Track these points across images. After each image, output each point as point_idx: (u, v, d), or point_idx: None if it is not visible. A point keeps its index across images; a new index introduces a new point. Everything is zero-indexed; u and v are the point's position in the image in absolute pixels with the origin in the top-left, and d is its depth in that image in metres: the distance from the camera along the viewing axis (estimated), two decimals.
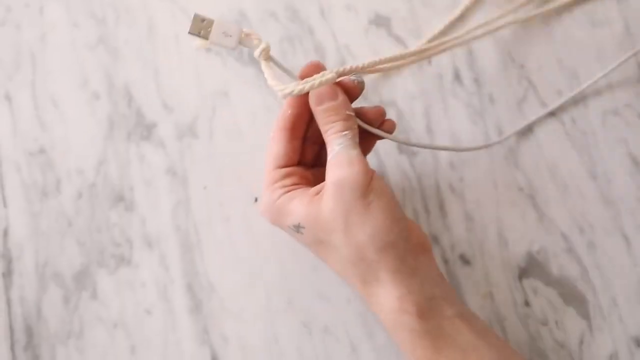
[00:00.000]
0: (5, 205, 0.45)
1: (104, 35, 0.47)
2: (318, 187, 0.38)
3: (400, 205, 0.41)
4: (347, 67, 0.38)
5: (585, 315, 0.43)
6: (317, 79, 0.37)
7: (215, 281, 0.44)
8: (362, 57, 0.47)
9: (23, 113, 0.46)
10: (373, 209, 0.36)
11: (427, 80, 0.46)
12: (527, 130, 0.45)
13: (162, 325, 0.44)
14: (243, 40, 0.37)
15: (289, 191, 0.39)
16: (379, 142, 0.44)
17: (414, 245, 0.38)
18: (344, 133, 0.37)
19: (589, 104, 0.46)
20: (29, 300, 0.44)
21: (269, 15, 0.47)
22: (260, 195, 0.45)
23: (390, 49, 0.47)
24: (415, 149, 0.45)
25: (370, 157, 0.45)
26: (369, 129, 0.39)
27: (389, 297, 0.37)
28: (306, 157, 0.41)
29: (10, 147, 0.46)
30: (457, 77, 0.46)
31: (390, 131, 0.41)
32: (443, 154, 0.45)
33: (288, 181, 0.39)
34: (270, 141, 0.40)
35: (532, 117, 0.45)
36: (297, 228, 0.38)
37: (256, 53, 0.37)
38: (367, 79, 0.46)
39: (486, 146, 0.44)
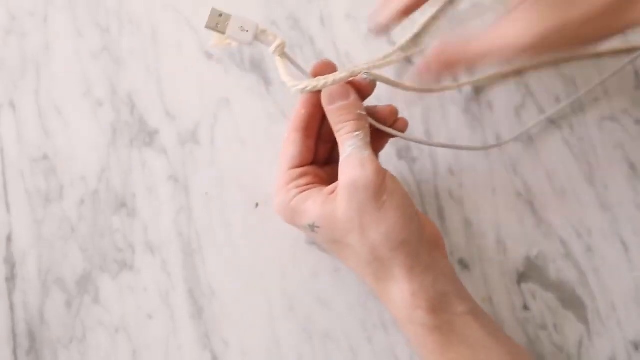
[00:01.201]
0: (8, 211, 0.46)
1: (107, 44, 0.48)
2: (332, 186, 0.38)
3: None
4: (360, 66, 0.39)
5: (583, 319, 0.44)
6: (329, 77, 0.38)
7: (216, 286, 0.45)
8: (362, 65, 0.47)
9: (27, 120, 0.47)
10: (387, 209, 0.36)
11: (426, 86, 0.47)
12: (526, 137, 0.46)
13: (163, 330, 0.44)
14: (259, 36, 0.37)
15: (303, 191, 0.39)
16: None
17: (427, 241, 0.38)
18: (355, 134, 0.37)
19: (587, 111, 0.46)
20: (32, 305, 0.44)
21: (270, 24, 0.48)
22: (261, 201, 0.45)
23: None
24: (414, 154, 0.46)
25: None
26: (381, 128, 0.40)
27: (402, 293, 0.37)
28: (319, 156, 0.42)
29: (14, 154, 0.46)
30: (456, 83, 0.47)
31: (402, 130, 0.41)
32: (442, 160, 0.46)
33: (302, 181, 0.40)
34: (284, 142, 0.41)
35: (530, 124, 0.46)
36: (312, 227, 0.38)
37: (271, 49, 0.38)
38: None
39: (497, 145, 0.45)
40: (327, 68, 0.39)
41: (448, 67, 0.38)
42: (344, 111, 0.38)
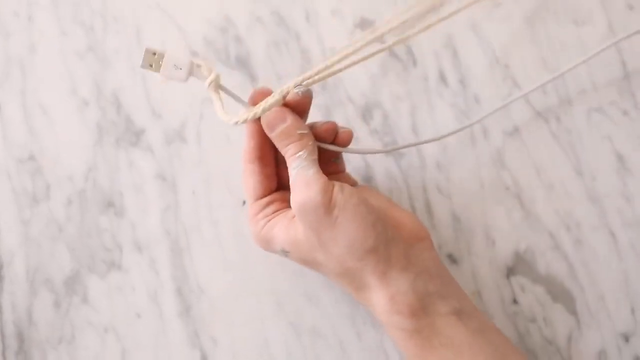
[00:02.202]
0: None
1: (92, 43, 0.48)
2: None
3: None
4: (290, 84, 0.38)
5: (573, 312, 0.43)
6: (261, 105, 0.38)
7: (204, 284, 0.44)
8: (347, 60, 0.47)
9: (13, 121, 0.47)
10: (341, 223, 0.36)
11: (413, 82, 0.47)
12: (513, 130, 0.46)
13: (152, 329, 0.44)
14: (194, 72, 0.37)
15: (270, 220, 0.40)
16: (366, 145, 0.45)
17: (404, 239, 0.38)
18: (298, 155, 0.37)
19: (574, 102, 0.46)
20: (20, 305, 0.44)
21: (255, 20, 0.48)
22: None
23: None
24: (401, 149, 0.46)
25: (356, 158, 0.45)
26: (321, 146, 0.40)
27: (379, 299, 0.37)
28: (284, 179, 0.41)
29: (0, 154, 0.46)
30: (442, 78, 0.47)
31: (345, 143, 0.41)
32: (429, 155, 0.46)
33: (269, 210, 0.40)
34: (242, 176, 0.41)
35: (517, 116, 0.46)
36: (284, 252, 0.39)
37: (205, 84, 0.37)
38: (351, 81, 0.46)
39: (454, 132, 0.44)
40: (263, 95, 0.39)
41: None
42: (284, 135, 0.38)
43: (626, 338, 0.43)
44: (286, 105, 0.38)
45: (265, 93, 0.39)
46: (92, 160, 0.46)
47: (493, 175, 0.45)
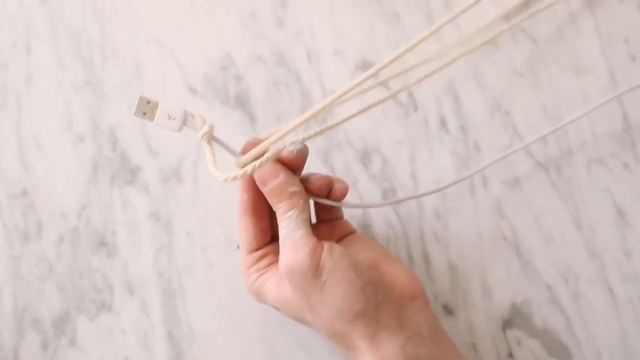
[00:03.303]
0: None
1: (90, 77, 0.47)
2: None
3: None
4: (287, 144, 0.38)
5: None
6: (252, 164, 0.36)
7: (196, 328, 0.44)
8: (348, 102, 0.47)
9: (6, 154, 0.46)
10: (329, 287, 0.35)
11: (413, 127, 0.46)
12: (513, 179, 0.45)
13: None
14: (188, 122, 0.36)
15: (263, 273, 0.39)
16: (364, 190, 0.44)
17: (397, 298, 0.37)
18: (288, 214, 0.37)
19: (575, 153, 0.46)
20: (6, 346, 0.43)
21: (256, 59, 0.47)
22: None
23: (376, 95, 0.47)
24: (400, 196, 0.45)
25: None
26: (315, 200, 0.39)
27: None
28: (278, 231, 0.40)
29: None
30: (443, 123, 0.46)
31: (340, 198, 0.40)
32: (428, 202, 0.45)
33: (262, 263, 0.40)
34: (237, 228, 0.40)
35: (517, 166, 0.45)
36: (275, 307, 0.39)
37: (199, 135, 0.36)
38: (351, 124, 0.46)
39: (449, 185, 0.44)
40: (254, 147, 0.37)
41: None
42: (276, 191, 0.37)
43: None
44: (280, 160, 0.38)
45: (257, 144, 0.38)
46: (86, 198, 0.45)
47: (491, 225, 0.45)
